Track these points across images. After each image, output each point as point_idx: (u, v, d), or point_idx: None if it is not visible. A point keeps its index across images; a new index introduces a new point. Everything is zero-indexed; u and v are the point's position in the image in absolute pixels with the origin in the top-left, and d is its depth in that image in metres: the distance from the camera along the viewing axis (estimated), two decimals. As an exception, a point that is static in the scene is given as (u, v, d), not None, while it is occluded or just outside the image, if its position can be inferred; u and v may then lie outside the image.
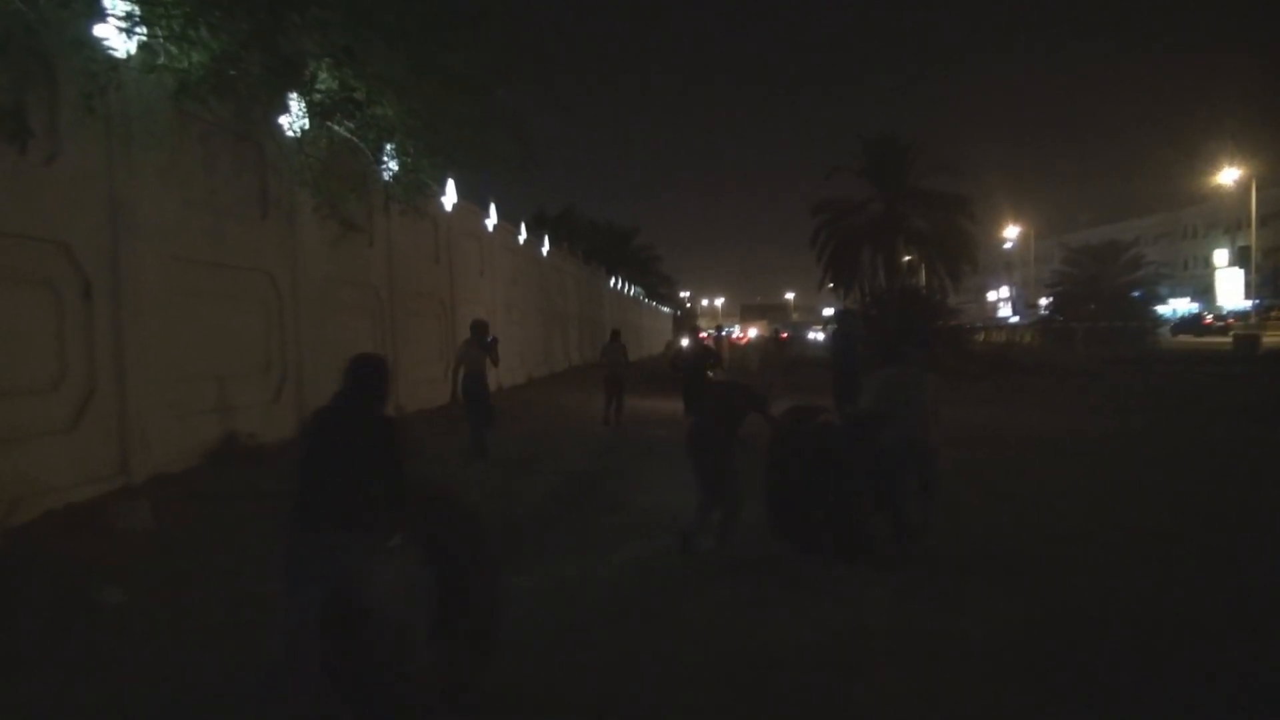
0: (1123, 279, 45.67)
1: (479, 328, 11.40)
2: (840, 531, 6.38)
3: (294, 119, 9.77)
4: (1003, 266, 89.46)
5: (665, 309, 72.93)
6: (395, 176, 10.75)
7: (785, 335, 49.75)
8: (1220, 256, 69.00)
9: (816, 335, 51.23)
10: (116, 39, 7.35)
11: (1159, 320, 46.30)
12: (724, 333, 50.75)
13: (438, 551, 3.64)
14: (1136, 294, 45.08)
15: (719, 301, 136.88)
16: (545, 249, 27.12)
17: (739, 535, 6.55)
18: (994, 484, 8.90)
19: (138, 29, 7.36)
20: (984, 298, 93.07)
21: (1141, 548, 6.60)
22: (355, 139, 10.01)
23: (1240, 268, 60.56)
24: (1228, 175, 52.23)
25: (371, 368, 3.71)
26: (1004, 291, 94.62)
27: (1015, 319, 73.32)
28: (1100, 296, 44.23)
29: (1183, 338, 43.76)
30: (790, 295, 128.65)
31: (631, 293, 50.18)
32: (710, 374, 13.96)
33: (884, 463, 6.41)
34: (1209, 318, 51.74)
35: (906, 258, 35.46)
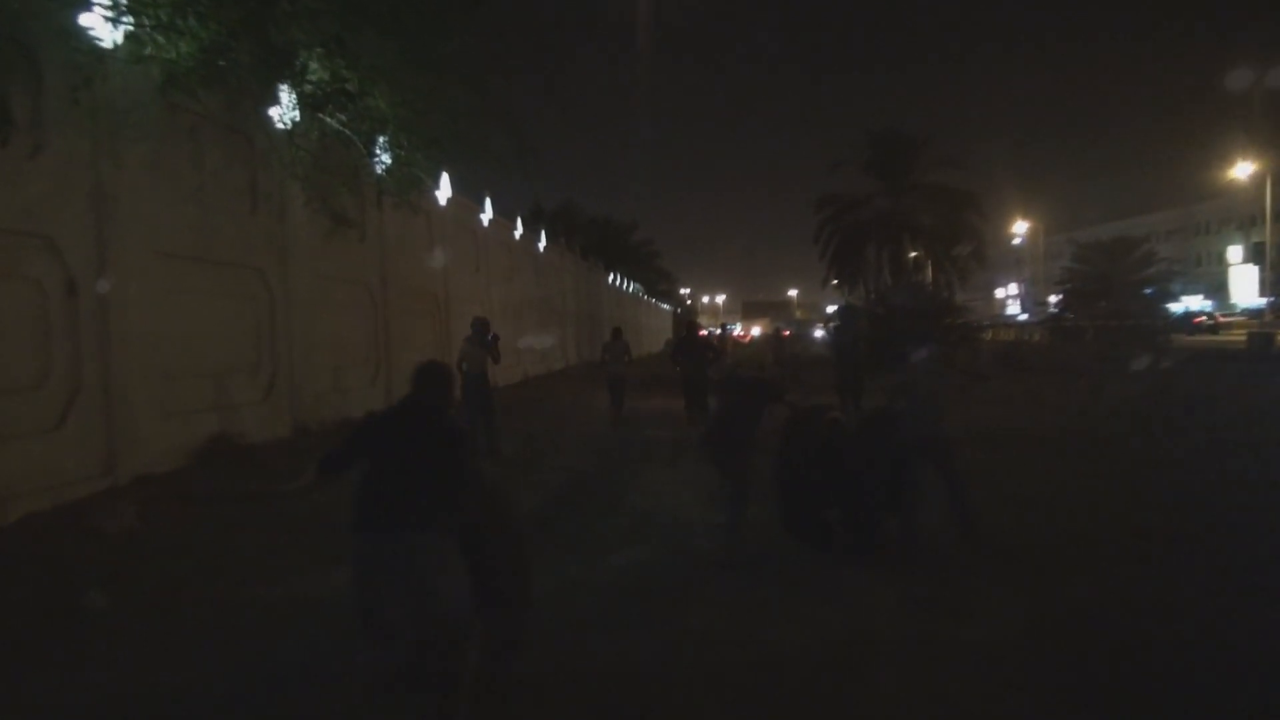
0: (1134, 276, 45.68)
1: (480, 325, 11.45)
2: (855, 530, 6.44)
3: (284, 111, 9.78)
4: (1011, 263, 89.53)
5: (665, 306, 72.97)
6: (388, 170, 10.77)
7: (788, 333, 49.81)
8: (1234, 253, 69.05)
9: (820, 333, 51.33)
10: (102, 29, 7.36)
11: (1171, 318, 46.30)
12: (727, 330, 50.78)
13: (476, 541, 3.78)
14: (1148, 291, 45.09)
15: (720, 298, 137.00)
16: (542, 244, 27.15)
17: (739, 536, 6.58)
18: (999, 484, 8.92)
19: (124, 18, 7.37)
20: (992, 295, 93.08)
21: (1147, 549, 6.62)
22: (347, 131, 10.02)
23: (1255, 264, 60.61)
24: (1242, 169, 52.27)
25: (437, 374, 3.96)
26: (1012, 289, 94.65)
27: (1024, 317, 73.36)
28: (1111, 294, 44.25)
29: (1176, 337, 43.70)
30: (793, 292, 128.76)
31: (631, 289, 50.22)
32: (710, 373, 13.97)
33: (899, 461, 6.49)
34: (1200, 317, 51.69)
35: (913, 254, 35.53)
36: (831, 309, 57.60)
